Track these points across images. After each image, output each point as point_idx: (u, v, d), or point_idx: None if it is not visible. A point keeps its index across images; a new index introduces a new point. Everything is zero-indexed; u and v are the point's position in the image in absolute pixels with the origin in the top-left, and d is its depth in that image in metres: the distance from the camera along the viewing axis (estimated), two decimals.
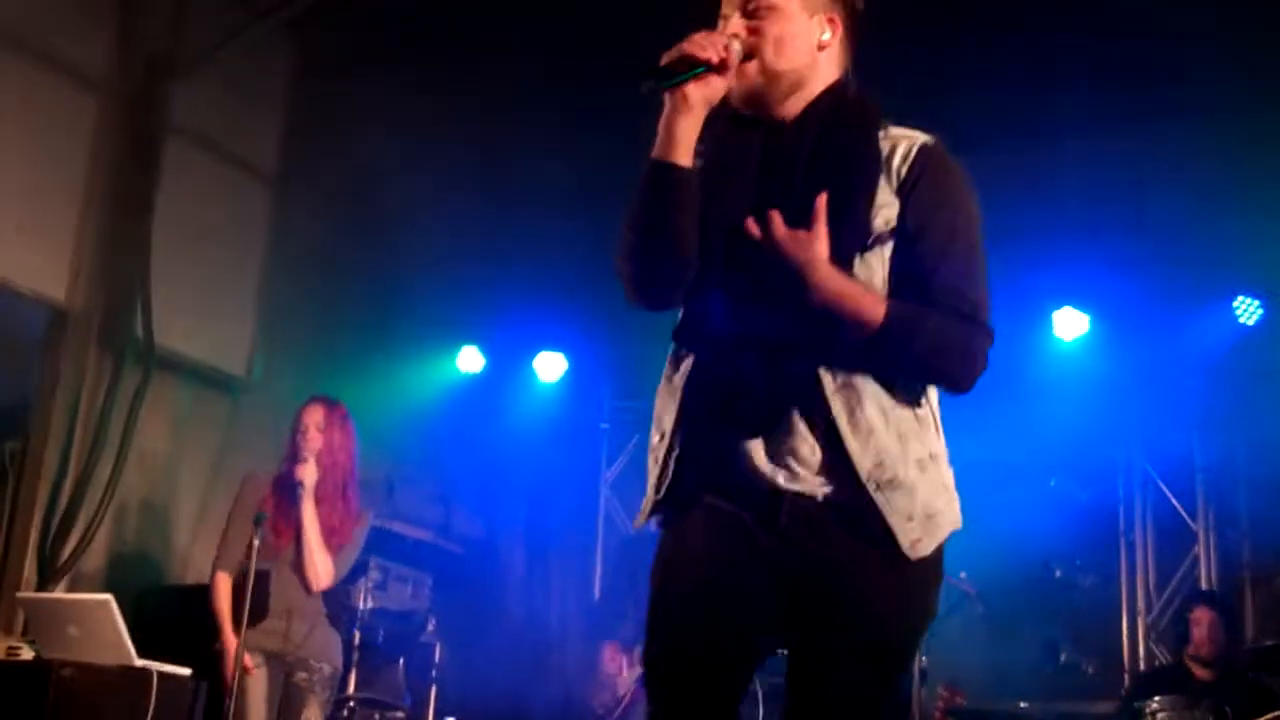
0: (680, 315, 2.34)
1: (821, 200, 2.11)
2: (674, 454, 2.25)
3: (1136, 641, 7.03)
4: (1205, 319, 6.75)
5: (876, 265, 2.20)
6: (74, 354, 5.89)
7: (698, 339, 2.28)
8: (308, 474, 4.68)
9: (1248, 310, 6.68)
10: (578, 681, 6.89)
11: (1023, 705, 6.45)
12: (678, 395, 2.27)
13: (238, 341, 6.59)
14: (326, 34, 6.67)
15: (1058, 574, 6.89)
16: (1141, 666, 6.84)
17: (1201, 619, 5.74)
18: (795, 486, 2.17)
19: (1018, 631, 6.83)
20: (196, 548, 6.16)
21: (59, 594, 5.48)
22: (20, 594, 5.36)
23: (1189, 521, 7.00)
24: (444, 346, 7.76)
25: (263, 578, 4.56)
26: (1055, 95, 6.18)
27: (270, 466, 4.90)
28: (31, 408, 5.89)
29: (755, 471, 2.19)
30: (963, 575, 5.96)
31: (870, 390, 2.18)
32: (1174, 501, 7.03)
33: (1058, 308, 6.92)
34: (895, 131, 2.27)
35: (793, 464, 2.17)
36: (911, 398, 2.23)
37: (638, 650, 6.25)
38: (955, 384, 2.25)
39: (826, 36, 2.30)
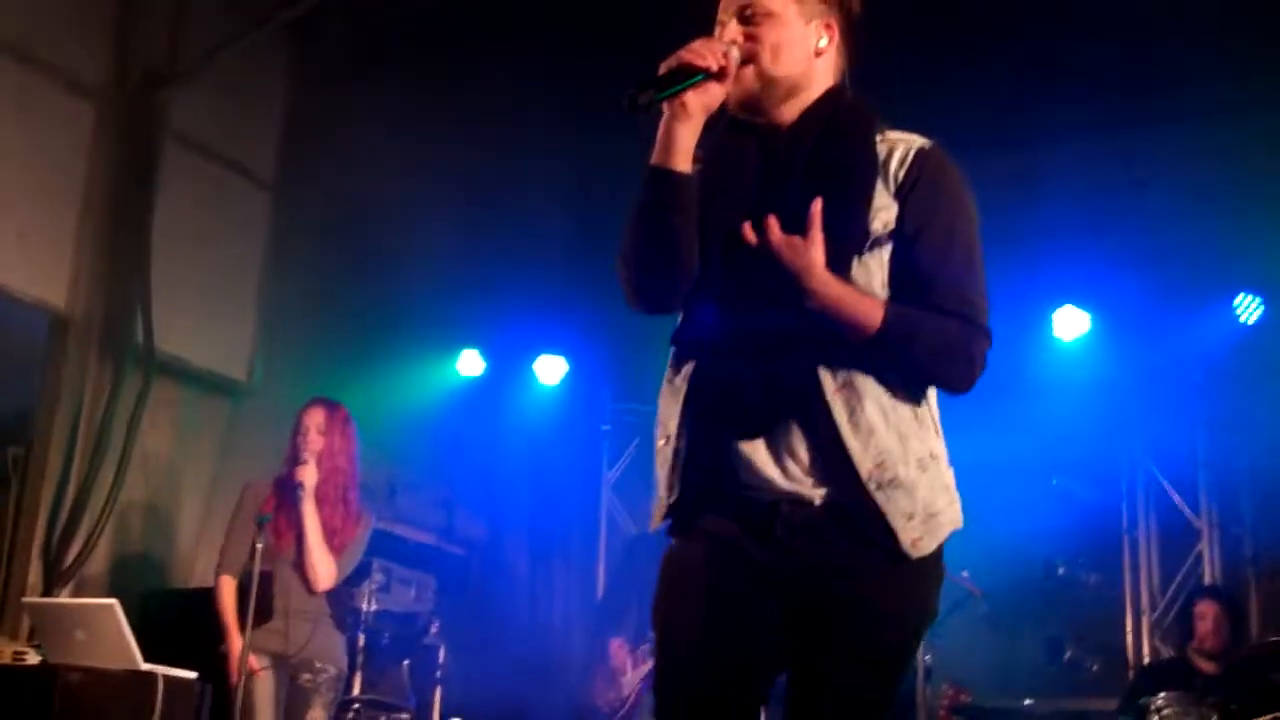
0: (680, 319, 2.35)
1: (817, 206, 2.12)
2: (680, 457, 2.26)
3: (1140, 639, 7.02)
4: (1206, 317, 6.75)
5: (875, 268, 2.21)
6: (75, 360, 5.90)
7: (697, 342, 2.29)
8: (308, 475, 4.68)
9: (1249, 308, 6.68)
10: (582, 682, 6.89)
11: (1027, 703, 6.45)
12: (680, 398, 2.28)
13: (238, 346, 6.60)
14: (324, 39, 6.68)
15: (1061, 572, 6.89)
16: (1146, 663, 6.83)
17: (1206, 612, 5.74)
18: (793, 488, 2.18)
19: (1022, 630, 6.84)
20: (200, 551, 6.17)
21: (64, 599, 5.48)
22: (26, 599, 5.37)
23: (1192, 519, 6.99)
24: (445, 350, 7.76)
25: (266, 579, 4.56)
26: (1056, 97, 6.18)
27: (271, 472, 4.90)
28: (34, 414, 5.89)
29: (755, 473, 2.20)
30: (966, 574, 5.96)
31: (870, 391, 2.19)
32: (1177, 499, 7.03)
33: (1058, 307, 6.92)
34: (892, 135, 2.28)
35: (792, 465, 2.18)
36: (911, 398, 2.24)
37: (643, 648, 6.26)
38: (953, 386, 2.26)
39: (824, 43, 2.31)
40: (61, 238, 5.88)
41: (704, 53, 2.17)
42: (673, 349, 2.34)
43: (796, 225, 2.12)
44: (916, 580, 2.22)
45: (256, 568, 4.45)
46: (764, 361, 2.19)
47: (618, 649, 6.44)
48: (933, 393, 2.30)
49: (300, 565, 4.65)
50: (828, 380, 2.18)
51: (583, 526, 8.40)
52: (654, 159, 2.20)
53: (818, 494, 2.18)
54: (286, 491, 4.72)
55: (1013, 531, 6.46)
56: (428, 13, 6.35)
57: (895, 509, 2.16)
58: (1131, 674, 6.68)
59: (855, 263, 2.19)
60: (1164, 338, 6.75)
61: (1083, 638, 6.81)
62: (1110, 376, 6.84)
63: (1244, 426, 6.68)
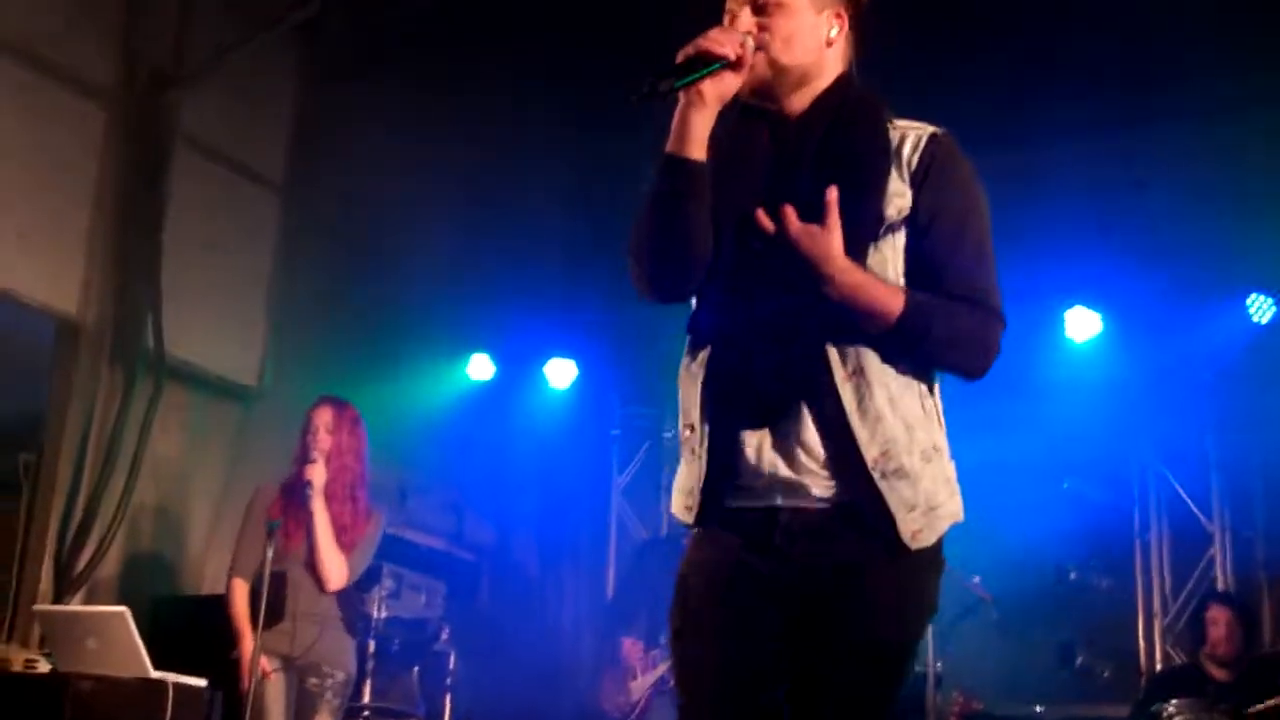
0: (694, 306, 2.35)
1: (833, 194, 2.13)
2: (705, 444, 2.27)
3: (1153, 644, 6.99)
4: (1218, 317, 6.71)
5: (890, 255, 2.23)
6: (86, 366, 5.90)
7: (711, 330, 2.30)
8: (316, 474, 4.68)
9: (1261, 308, 6.64)
10: (591, 687, 6.87)
11: (1038, 710, 6.42)
12: (699, 383, 2.29)
13: (248, 350, 6.60)
14: (332, 40, 6.68)
15: (1072, 577, 6.85)
16: (1158, 670, 6.79)
17: (1218, 618, 5.71)
18: (798, 478, 2.19)
19: (1032, 636, 6.79)
20: (210, 557, 6.16)
21: (75, 606, 5.48)
22: (37, 606, 5.37)
23: (1204, 523, 6.95)
24: (454, 354, 7.76)
25: (279, 579, 4.56)
26: (1055, 93, 6.17)
27: (282, 476, 4.90)
28: (45, 420, 5.90)
29: (758, 471, 2.21)
30: (976, 580, 5.94)
31: (880, 380, 2.20)
32: (1189, 503, 6.99)
33: (1069, 308, 6.89)
34: (902, 123, 2.29)
35: (799, 453, 2.20)
36: (919, 390, 2.25)
37: (655, 651, 6.23)
38: (970, 371, 2.27)
39: (834, 33, 2.32)
40: (71, 242, 5.88)
41: (722, 41, 2.19)
42: (689, 336, 2.35)
43: (809, 213, 2.13)
44: (915, 574, 2.22)
45: (267, 571, 4.45)
46: (777, 348, 2.20)
47: (630, 647, 6.40)
48: (938, 386, 2.31)
49: (312, 565, 4.65)
50: (838, 367, 2.19)
51: (592, 531, 8.39)
52: (669, 147, 2.21)
53: (821, 486, 2.19)
54: (295, 491, 4.71)
55: (1023, 536, 6.44)
56: (428, 13, 6.35)
57: (898, 499, 2.17)
58: (1143, 681, 6.65)
59: (871, 249, 2.21)
60: (1176, 338, 6.71)
61: (1094, 643, 6.77)
62: (1121, 378, 6.81)
63: (1256, 428, 6.65)
